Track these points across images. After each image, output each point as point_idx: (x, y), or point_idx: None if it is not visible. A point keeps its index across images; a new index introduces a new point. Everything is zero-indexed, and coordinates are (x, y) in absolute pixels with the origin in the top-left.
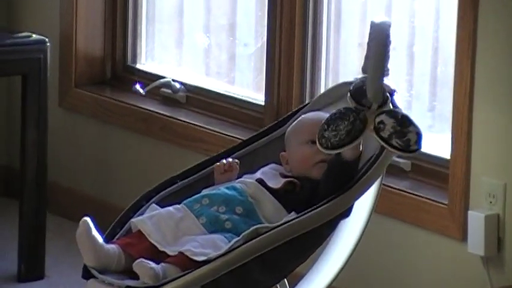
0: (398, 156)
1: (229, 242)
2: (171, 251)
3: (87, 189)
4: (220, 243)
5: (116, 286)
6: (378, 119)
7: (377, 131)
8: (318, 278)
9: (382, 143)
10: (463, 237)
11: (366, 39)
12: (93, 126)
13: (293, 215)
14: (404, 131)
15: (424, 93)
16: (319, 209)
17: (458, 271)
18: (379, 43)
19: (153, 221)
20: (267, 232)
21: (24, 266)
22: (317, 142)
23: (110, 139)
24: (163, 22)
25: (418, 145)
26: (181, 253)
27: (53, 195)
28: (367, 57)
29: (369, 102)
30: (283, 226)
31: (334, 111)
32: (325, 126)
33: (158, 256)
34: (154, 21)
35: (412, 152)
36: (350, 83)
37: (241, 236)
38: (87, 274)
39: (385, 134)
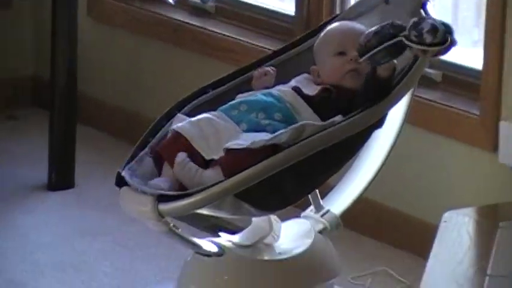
0: (430, 67)
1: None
2: (217, 156)
3: (117, 100)
4: (265, 137)
5: (149, 194)
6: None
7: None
8: (349, 188)
9: (418, 46)
10: (494, 148)
11: None
12: (123, 36)
13: (339, 118)
14: (435, 24)
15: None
16: (363, 112)
17: (489, 181)
18: None
19: (194, 125)
20: (313, 135)
21: (54, 174)
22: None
23: (140, 49)
24: None
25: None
26: (226, 151)
27: (83, 105)
28: None
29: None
30: (331, 128)
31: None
32: (366, 40)
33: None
34: None
35: (446, 42)
36: None
37: (288, 128)
38: (120, 181)
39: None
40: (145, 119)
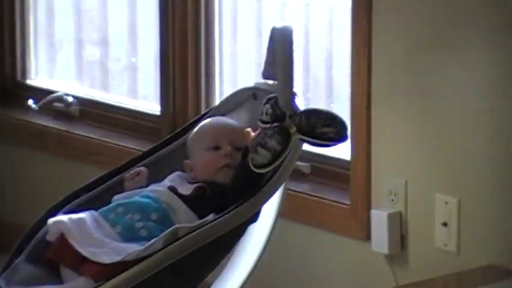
0: (298, 159)
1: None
2: (88, 252)
3: None
4: (139, 247)
5: None
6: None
7: (301, 130)
8: (226, 285)
9: (310, 139)
10: (367, 236)
11: (261, 46)
12: None
13: (211, 217)
14: (332, 117)
15: (320, 98)
16: (236, 209)
17: (363, 270)
18: (285, 49)
19: (72, 220)
20: (187, 234)
21: None
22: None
23: (4, 156)
24: (55, 35)
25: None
26: (94, 263)
27: None
28: (267, 62)
29: (282, 111)
30: (203, 227)
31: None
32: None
33: (81, 262)
34: (47, 35)
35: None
36: (251, 88)
37: (161, 235)
38: None
39: (310, 127)
40: (12, 227)
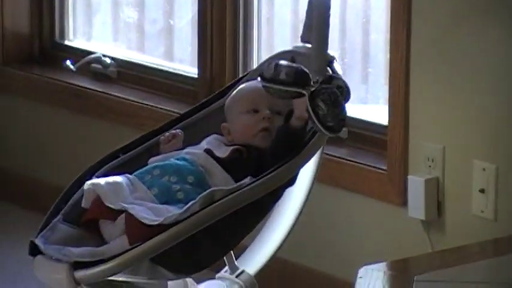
0: None
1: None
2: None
3: (21, 168)
4: (174, 211)
5: (64, 262)
6: (317, 100)
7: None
8: (262, 248)
9: (309, 108)
10: (403, 202)
11: (299, 10)
12: (24, 104)
13: (248, 180)
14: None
15: (357, 62)
16: (273, 173)
17: (399, 236)
18: (321, 13)
19: (108, 182)
20: (223, 197)
21: None
22: (260, 76)
23: (42, 117)
24: None
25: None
26: (134, 218)
27: None
28: (306, 26)
29: (314, 78)
30: (240, 190)
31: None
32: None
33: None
34: None
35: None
36: (290, 52)
37: (198, 198)
38: (34, 250)
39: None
40: (50, 187)
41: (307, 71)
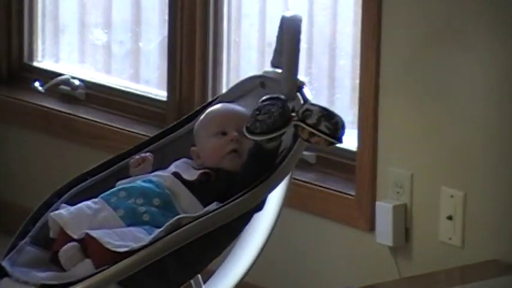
0: (305, 149)
1: (149, 234)
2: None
3: None
4: (139, 235)
5: (31, 284)
6: (302, 109)
7: (303, 119)
8: (230, 272)
9: (311, 129)
10: (371, 227)
11: (267, 35)
12: None
13: (214, 205)
14: (332, 115)
15: (323, 87)
16: (240, 199)
17: (367, 261)
18: (292, 38)
19: (70, 212)
20: (190, 223)
21: None
22: (246, 129)
23: (10, 138)
24: (62, 18)
25: (342, 131)
26: (97, 242)
27: None
28: (276, 51)
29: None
30: (206, 216)
31: (263, 98)
32: (257, 112)
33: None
34: (53, 18)
35: (337, 139)
36: (259, 77)
37: (164, 226)
38: (0, 272)
39: (312, 120)
40: (17, 209)
41: (281, 108)
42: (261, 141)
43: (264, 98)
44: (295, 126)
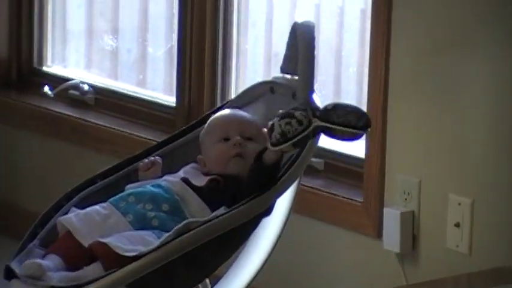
0: (313, 156)
1: (159, 238)
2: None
3: None
4: (149, 238)
5: (41, 286)
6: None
7: (327, 118)
8: (237, 277)
9: (334, 127)
10: (379, 234)
11: (273, 42)
12: (1, 130)
13: (222, 210)
14: (348, 110)
15: (328, 96)
16: (248, 203)
17: (374, 268)
18: (307, 45)
19: (79, 218)
20: (198, 227)
21: None
22: (271, 145)
23: (19, 142)
24: (70, 24)
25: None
26: (107, 247)
27: None
28: (286, 57)
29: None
30: (214, 220)
31: (273, 120)
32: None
33: (84, 255)
34: (62, 23)
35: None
36: (269, 82)
37: (172, 231)
38: (9, 274)
39: (335, 118)
40: (26, 213)
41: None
42: (287, 150)
43: (276, 118)
44: (316, 127)
